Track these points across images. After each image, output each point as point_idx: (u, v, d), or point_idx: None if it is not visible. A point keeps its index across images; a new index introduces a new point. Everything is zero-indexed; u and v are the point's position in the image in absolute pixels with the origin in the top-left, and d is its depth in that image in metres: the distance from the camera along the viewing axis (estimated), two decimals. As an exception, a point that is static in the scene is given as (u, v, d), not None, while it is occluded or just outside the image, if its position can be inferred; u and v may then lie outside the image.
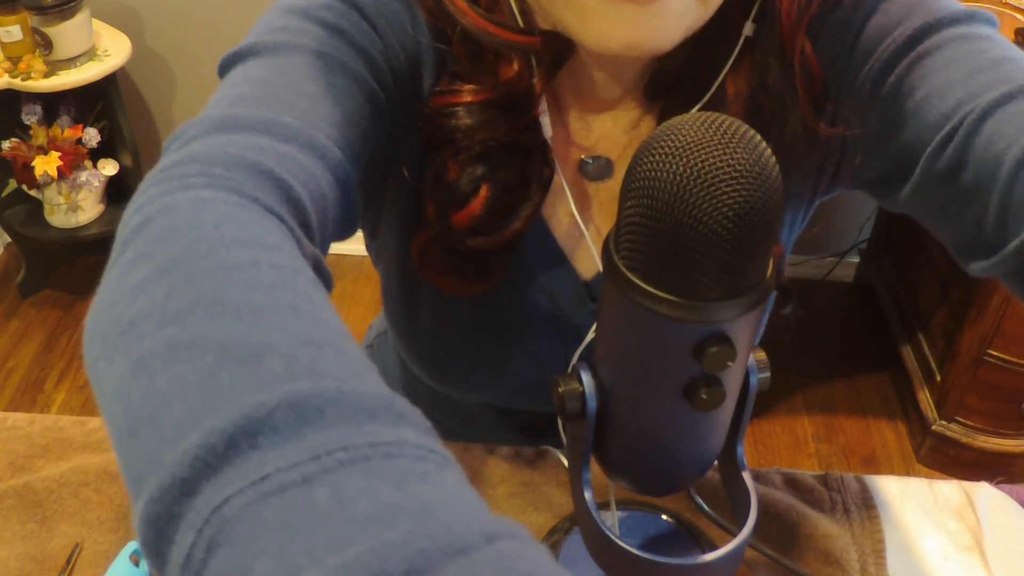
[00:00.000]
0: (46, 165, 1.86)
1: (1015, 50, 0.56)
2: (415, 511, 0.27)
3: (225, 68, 0.54)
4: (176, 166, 0.43)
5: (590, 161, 0.66)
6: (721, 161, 0.38)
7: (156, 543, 0.29)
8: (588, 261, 0.69)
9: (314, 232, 0.46)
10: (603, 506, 0.64)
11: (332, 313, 0.37)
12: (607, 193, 0.68)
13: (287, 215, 0.43)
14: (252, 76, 0.52)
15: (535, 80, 0.59)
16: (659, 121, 0.65)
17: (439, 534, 0.26)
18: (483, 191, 0.61)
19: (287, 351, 0.32)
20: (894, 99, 0.58)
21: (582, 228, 0.66)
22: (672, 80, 0.62)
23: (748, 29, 0.58)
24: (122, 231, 0.41)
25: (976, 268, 0.55)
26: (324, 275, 0.43)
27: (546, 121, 0.62)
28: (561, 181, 0.65)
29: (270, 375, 0.31)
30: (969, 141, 0.53)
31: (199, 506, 0.28)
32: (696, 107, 0.61)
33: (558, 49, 0.59)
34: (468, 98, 0.59)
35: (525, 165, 0.63)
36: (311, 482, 0.27)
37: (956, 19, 0.57)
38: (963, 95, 0.54)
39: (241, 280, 0.36)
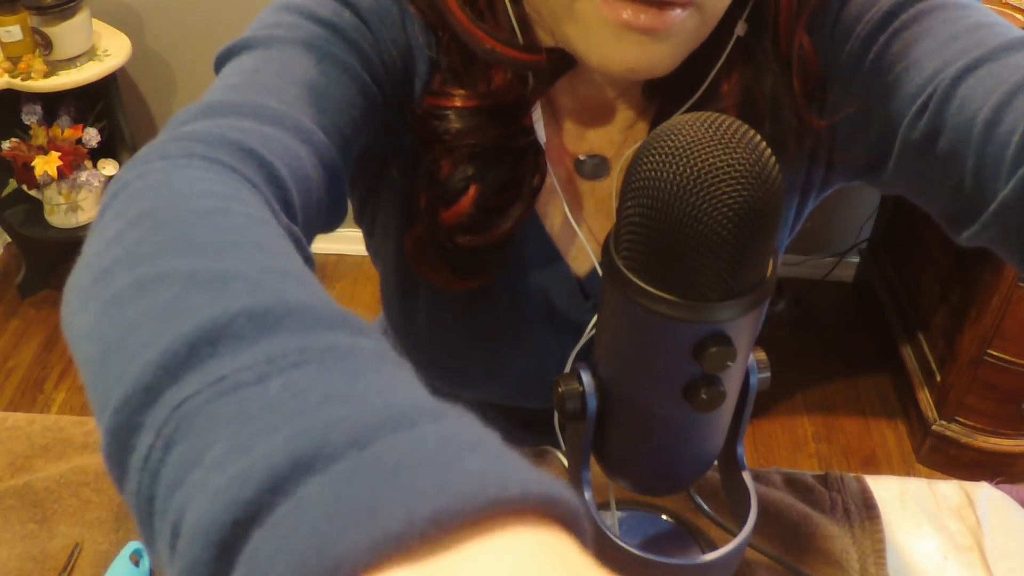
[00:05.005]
0: (46, 165, 1.86)
1: (992, 16, 0.55)
2: (364, 396, 0.27)
3: (220, 63, 0.55)
4: (159, 144, 0.44)
5: (586, 160, 0.66)
6: (721, 161, 0.38)
7: (119, 455, 0.30)
8: (582, 259, 0.70)
9: (296, 211, 0.46)
10: (603, 506, 0.64)
11: (296, 256, 0.37)
12: (602, 191, 0.68)
13: (266, 190, 0.43)
14: (244, 67, 0.53)
15: (528, 91, 0.60)
16: (655, 120, 0.65)
17: (384, 411, 0.26)
18: (472, 190, 0.61)
19: (250, 276, 0.33)
20: (874, 75, 0.58)
21: (575, 227, 0.66)
22: (668, 80, 0.62)
23: (740, 28, 0.58)
24: (103, 199, 0.42)
25: (964, 237, 0.54)
26: (301, 250, 0.43)
27: (540, 126, 0.62)
28: (553, 181, 0.65)
29: (233, 294, 0.32)
30: (943, 108, 0.53)
31: (159, 409, 0.29)
32: (687, 104, 0.61)
33: (559, 65, 0.59)
34: (459, 103, 0.60)
35: (517, 166, 0.63)
36: (266, 380, 0.28)
37: None
38: (939, 64, 0.53)
39: (210, 222, 0.37)
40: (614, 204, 0.67)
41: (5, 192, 2.04)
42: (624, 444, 0.52)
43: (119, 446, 0.30)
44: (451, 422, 0.26)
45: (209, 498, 0.25)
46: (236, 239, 0.36)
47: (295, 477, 0.24)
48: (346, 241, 2.25)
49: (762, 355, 0.53)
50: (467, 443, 0.25)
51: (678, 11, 0.50)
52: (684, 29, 0.52)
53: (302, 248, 0.42)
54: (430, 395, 0.29)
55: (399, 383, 0.29)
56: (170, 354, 0.29)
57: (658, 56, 0.52)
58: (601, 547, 0.53)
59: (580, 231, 0.67)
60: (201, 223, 0.36)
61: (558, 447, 0.76)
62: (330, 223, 0.55)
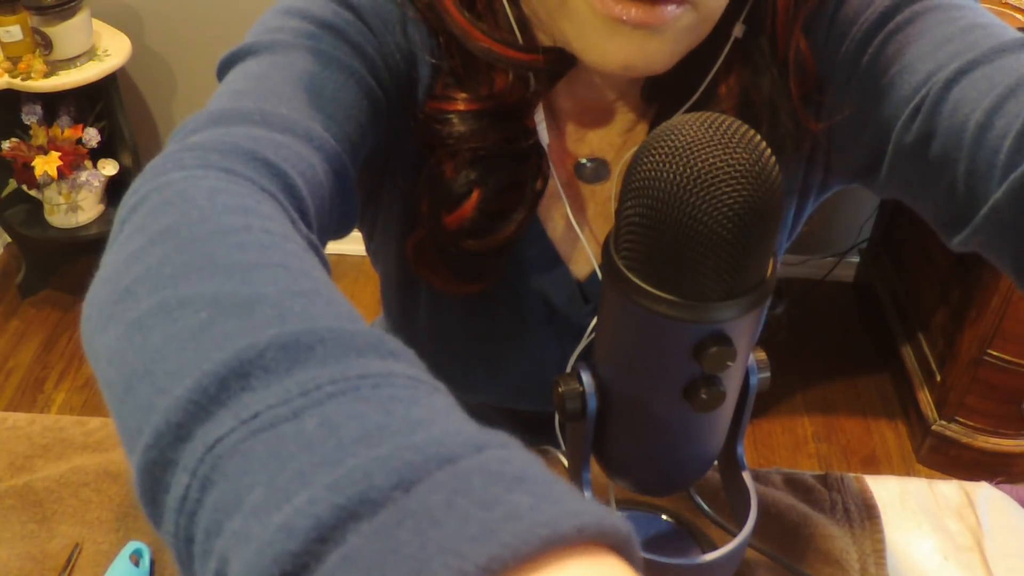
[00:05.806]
0: (46, 165, 1.86)
1: (987, 16, 0.55)
2: (403, 430, 0.27)
3: (223, 69, 0.55)
4: (173, 154, 0.44)
5: (586, 163, 0.66)
6: (721, 161, 0.38)
7: (152, 491, 0.29)
8: (583, 262, 0.69)
9: (311, 219, 0.46)
10: (603, 506, 0.64)
11: (322, 272, 0.37)
12: (602, 195, 0.68)
13: (284, 200, 0.43)
14: (250, 73, 0.52)
15: (530, 92, 0.60)
16: (654, 122, 0.65)
17: (426, 447, 0.25)
18: (475, 194, 0.61)
19: (277, 301, 0.32)
20: (870, 78, 0.58)
21: (577, 231, 0.66)
22: (668, 82, 0.62)
23: (738, 30, 0.58)
24: (120, 212, 0.41)
25: (956, 242, 0.54)
26: (321, 259, 0.43)
27: (542, 128, 0.62)
28: (556, 184, 0.65)
29: (261, 321, 0.31)
30: (936, 111, 0.52)
31: (193, 449, 0.28)
32: (685, 106, 0.61)
33: (558, 65, 0.59)
34: (461, 106, 0.60)
35: (519, 170, 0.63)
36: (301, 415, 0.27)
37: None
38: (932, 66, 0.53)
39: (232, 243, 0.36)
40: (613, 207, 0.67)
41: (5, 192, 2.04)
42: (624, 444, 0.52)
43: (152, 482, 0.29)
44: (494, 452, 0.26)
45: (255, 550, 0.24)
46: (260, 259, 0.35)
47: (342, 525, 0.24)
48: (346, 241, 2.23)
49: (762, 355, 0.53)
50: (513, 475, 0.25)
51: (672, 7, 0.50)
52: (678, 26, 0.51)
53: (321, 258, 0.41)
54: (469, 420, 0.28)
55: (436, 411, 0.28)
56: (200, 390, 0.29)
57: (653, 51, 0.52)
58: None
59: (582, 234, 0.67)
60: (224, 242, 0.36)
61: (558, 447, 0.76)
62: (341, 229, 0.55)
